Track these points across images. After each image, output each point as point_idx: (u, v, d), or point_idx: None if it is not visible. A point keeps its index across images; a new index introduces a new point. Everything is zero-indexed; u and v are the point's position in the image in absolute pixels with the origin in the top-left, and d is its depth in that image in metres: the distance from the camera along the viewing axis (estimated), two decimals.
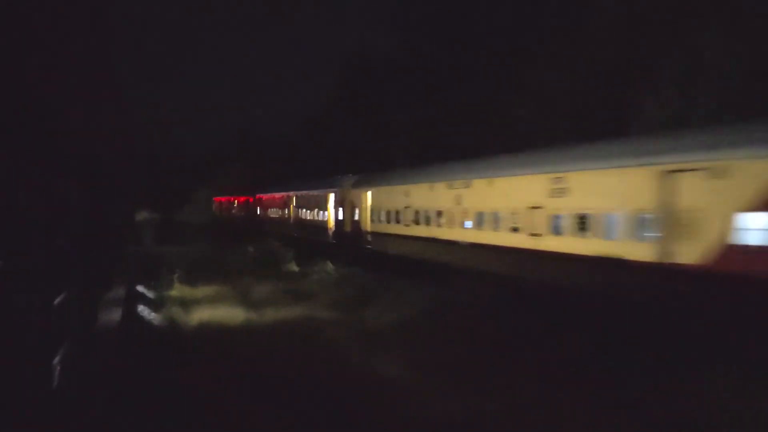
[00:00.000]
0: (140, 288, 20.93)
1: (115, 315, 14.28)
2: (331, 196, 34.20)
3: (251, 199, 54.74)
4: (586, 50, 25.04)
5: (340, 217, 32.71)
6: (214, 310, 19.09)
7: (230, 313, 18.57)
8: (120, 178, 25.23)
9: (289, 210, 43.40)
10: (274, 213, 47.56)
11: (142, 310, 17.98)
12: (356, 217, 30.59)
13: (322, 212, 35.85)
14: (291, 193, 42.97)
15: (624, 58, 23.94)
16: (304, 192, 39.83)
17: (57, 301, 7.39)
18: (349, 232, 31.38)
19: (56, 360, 7.10)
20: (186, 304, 20.24)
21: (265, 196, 50.69)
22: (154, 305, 19.24)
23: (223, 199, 67.95)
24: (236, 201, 61.16)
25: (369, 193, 29.20)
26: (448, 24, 34.96)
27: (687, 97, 21.51)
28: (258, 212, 52.33)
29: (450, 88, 34.27)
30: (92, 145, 14.79)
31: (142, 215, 66.60)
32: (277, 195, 46.47)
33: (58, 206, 8.90)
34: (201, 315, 18.45)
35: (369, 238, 28.83)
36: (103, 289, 16.26)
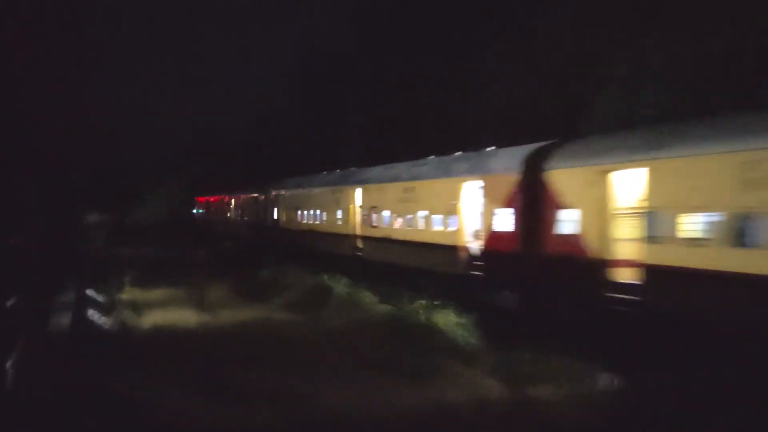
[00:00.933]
0: (90, 292, 20.52)
1: (65, 319, 14.02)
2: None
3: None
4: (536, 50, 25.77)
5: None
6: (166, 313, 18.88)
7: (183, 316, 18.40)
8: (70, 178, 24.66)
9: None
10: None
11: (92, 314, 17.66)
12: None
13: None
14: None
15: (573, 58, 24.66)
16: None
17: (9, 303, 7.28)
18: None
19: (9, 364, 7.00)
20: (137, 307, 19.94)
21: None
22: (105, 309, 18.91)
23: (215, 198, 54.86)
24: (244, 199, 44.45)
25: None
26: (401, 25, 35.24)
27: (632, 97, 22.09)
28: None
29: (404, 88, 34.43)
30: (44, 144, 14.49)
31: (92, 217, 64.75)
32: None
33: (12, 205, 8.74)
34: (152, 318, 18.18)
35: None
36: (54, 292, 15.93)
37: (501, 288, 16.19)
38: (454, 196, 17.80)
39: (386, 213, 22.02)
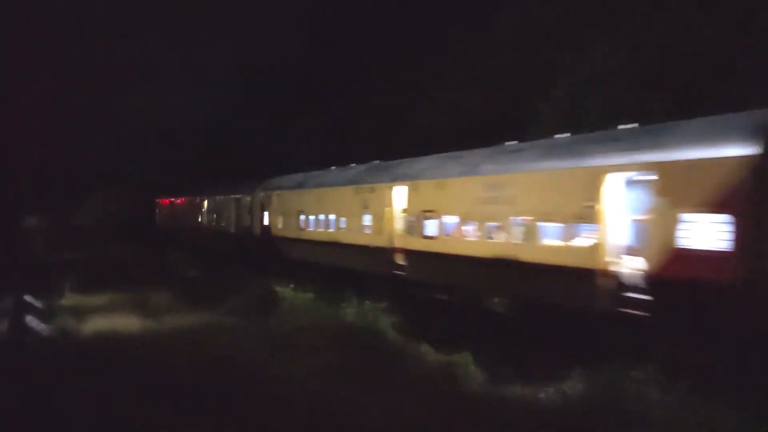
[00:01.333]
0: (28, 298, 19.82)
1: (2, 326, 13.54)
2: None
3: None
4: (487, 57, 26.24)
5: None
6: (108, 319, 18.40)
7: (125, 322, 17.96)
8: (5, 180, 23.80)
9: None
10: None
11: (30, 320, 17.10)
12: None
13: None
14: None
15: (521, 64, 25.28)
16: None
17: None
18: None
19: None
20: (79, 313, 19.36)
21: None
22: (43, 315, 18.31)
23: (181, 200, 48.26)
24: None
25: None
26: (354, 29, 35.28)
27: (578, 103, 22.72)
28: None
29: (356, 92, 34.42)
30: None
31: (31, 220, 62.31)
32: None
33: None
34: (94, 325, 17.75)
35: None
36: None
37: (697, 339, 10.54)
38: (591, 194, 12.13)
39: (449, 219, 16.69)
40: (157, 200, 56.05)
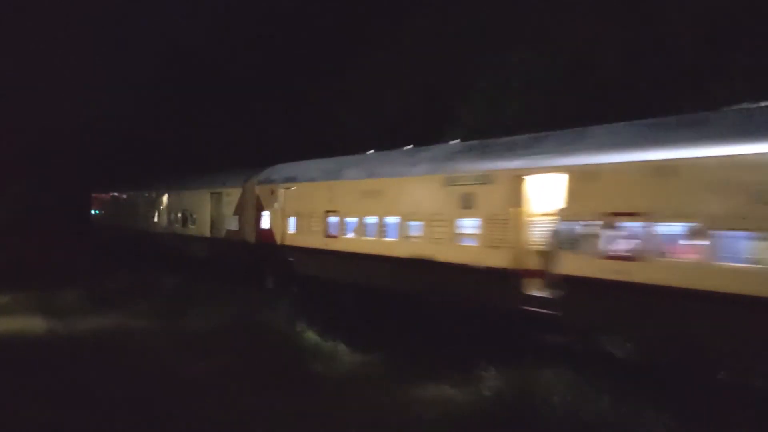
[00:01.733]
0: None
1: None
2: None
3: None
4: (408, 60, 26.42)
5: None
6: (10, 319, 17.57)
7: (29, 323, 17.18)
8: None
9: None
10: None
11: None
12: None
13: None
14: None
15: (442, 68, 25.60)
16: None
17: None
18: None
19: None
20: None
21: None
22: None
23: (126, 196, 39.80)
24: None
25: None
26: (273, 26, 34.89)
27: (495, 108, 23.28)
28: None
29: (276, 89, 34.13)
30: None
31: None
32: None
33: None
34: None
35: None
36: None
37: None
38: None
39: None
40: (94, 195, 47.50)
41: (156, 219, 32.66)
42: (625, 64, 20.15)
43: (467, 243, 13.90)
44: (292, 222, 20.82)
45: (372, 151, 19.81)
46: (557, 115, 19.79)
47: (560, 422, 9.19)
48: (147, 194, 34.46)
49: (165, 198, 31.63)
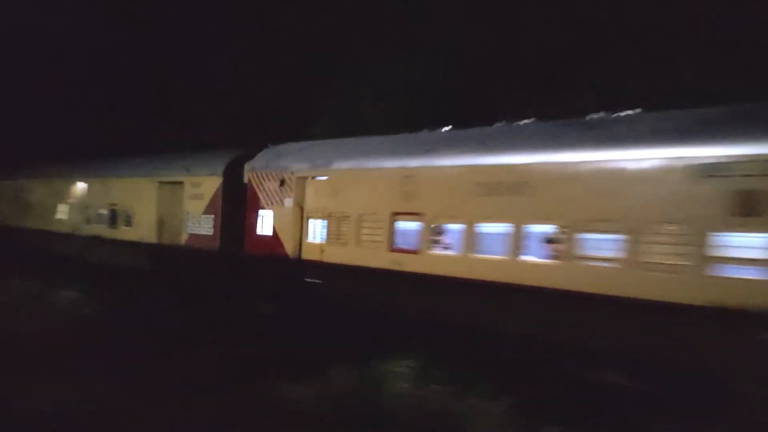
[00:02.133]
0: None
1: None
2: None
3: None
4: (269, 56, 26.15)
5: None
6: None
7: None
8: None
9: None
10: None
11: None
12: None
13: None
14: None
15: (302, 67, 25.75)
16: None
17: None
18: None
19: None
20: None
21: None
22: None
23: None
24: None
25: None
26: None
27: (353, 109, 23.22)
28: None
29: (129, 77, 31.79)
30: None
31: None
32: None
33: None
34: None
35: None
36: None
37: None
38: None
39: None
40: None
41: (65, 215, 24.10)
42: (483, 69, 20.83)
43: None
44: (317, 227, 14.40)
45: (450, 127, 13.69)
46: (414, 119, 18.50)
47: (405, 415, 9.45)
48: (50, 182, 25.29)
49: (79, 188, 23.38)
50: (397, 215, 12.45)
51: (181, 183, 18.33)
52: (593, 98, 15.52)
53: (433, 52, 21.50)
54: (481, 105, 18.78)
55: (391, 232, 12.50)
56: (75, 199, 23.35)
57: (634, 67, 17.33)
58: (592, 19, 18.49)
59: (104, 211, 21.54)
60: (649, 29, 17.56)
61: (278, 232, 15.04)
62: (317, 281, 13.90)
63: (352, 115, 21.79)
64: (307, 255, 14.39)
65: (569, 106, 14.45)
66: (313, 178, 14.49)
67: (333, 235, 13.77)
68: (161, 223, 19.15)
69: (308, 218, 14.48)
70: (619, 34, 17.78)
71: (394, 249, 12.44)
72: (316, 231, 14.34)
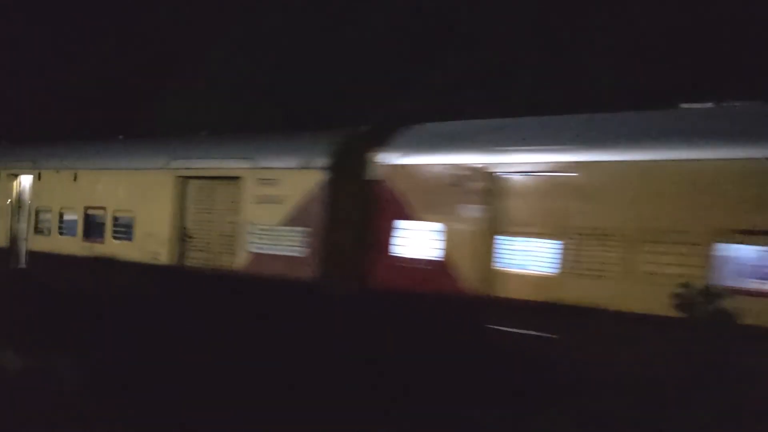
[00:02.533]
0: None
1: None
2: None
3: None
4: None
5: None
6: None
7: None
8: None
9: None
10: None
11: None
12: None
13: None
14: None
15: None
16: None
17: None
18: None
19: None
20: None
21: None
22: None
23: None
24: None
25: None
26: None
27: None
28: None
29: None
30: None
31: None
32: None
33: None
34: None
35: None
36: None
37: None
38: None
39: None
40: None
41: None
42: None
43: None
44: (523, 247, 9.01)
45: None
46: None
47: None
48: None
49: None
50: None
51: (236, 179, 12.42)
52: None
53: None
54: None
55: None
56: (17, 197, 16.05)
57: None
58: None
59: (74, 216, 14.68)
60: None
61: (450, 255, 9.85)
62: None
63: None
64: (515, 294, 9.29)
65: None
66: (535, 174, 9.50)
67: (568, 259, 8.71)
68: (183, 237, 13.00)
69: (509, 234, 9.42)
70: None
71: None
72: (530, 254, 9.27)
